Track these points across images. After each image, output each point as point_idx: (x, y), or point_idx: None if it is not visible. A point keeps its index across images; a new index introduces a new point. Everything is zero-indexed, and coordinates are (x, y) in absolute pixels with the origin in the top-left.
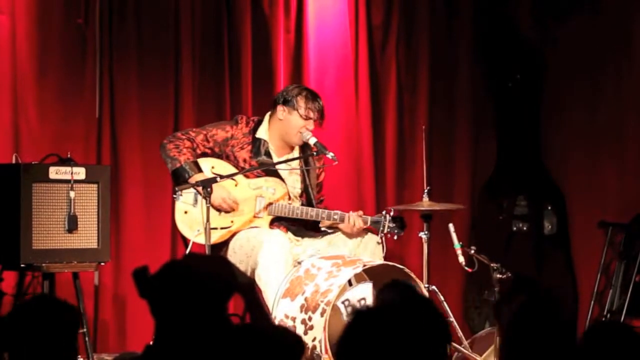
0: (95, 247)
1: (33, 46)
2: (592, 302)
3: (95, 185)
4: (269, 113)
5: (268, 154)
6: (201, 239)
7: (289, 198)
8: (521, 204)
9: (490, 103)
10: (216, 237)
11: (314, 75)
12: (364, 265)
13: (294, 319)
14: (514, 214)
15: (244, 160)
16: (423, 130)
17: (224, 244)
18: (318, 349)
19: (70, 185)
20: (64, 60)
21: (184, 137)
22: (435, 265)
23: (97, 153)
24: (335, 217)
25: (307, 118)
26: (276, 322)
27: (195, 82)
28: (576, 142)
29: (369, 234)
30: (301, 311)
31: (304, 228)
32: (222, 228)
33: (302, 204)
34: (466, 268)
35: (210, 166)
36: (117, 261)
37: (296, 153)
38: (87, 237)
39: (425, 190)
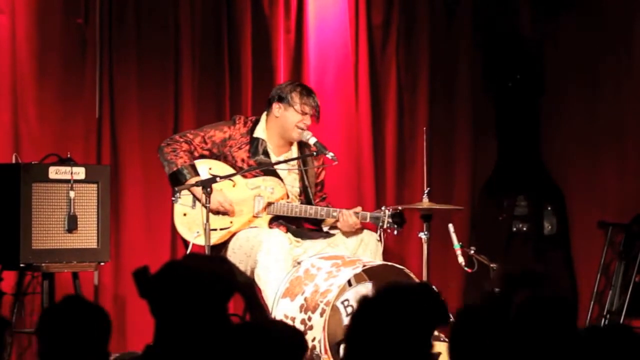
0: (95, 247)
1: (33, 46)
2: (592, 302)
3: (95, 185)
4: (265, 112)
5: (266, 153)
6: (201, 241)
7: (288, 197)
8: (521, 204)
9: (490, 103)
10: (216, 238)
11: (314, 75)
12: (364, 266)
13: (293, 319)
14: (514, 214)
15: (242, 160)
16: (424, 132)
17: (224, 244)
18: (318, 349)
19: (70, 185)
20: (63, 60)
21: (181, 139)
22: (435, 266)
23: (97, 153)
24: (335, 214)
25: (303, 113)
26: None
27: (195, 82)
28: (576, 142)
29: (369, 233)
30: (301, 311)
31: (304, 228)
32: (221, 229)
33: (302, 203)
34: (466, 268)
35: (207, 168)
36: (117, 261)
37: (295, 152)
38: (87, 237)
39: (425, 191)
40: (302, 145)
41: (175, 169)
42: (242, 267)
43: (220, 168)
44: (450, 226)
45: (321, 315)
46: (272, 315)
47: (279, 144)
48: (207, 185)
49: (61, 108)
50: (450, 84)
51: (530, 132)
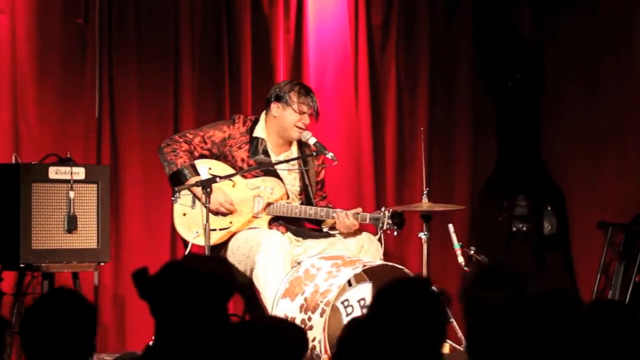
0: (95, 247)
1: (33, 46)
2: None
3: (95, 185)
4: (264, 111)
5: (266, 153)
6: (200, 241)
7: (288, 197)
8: (521, 204)
9: (490, 103)
10: (215, 238)
11: (313, 75)
12: (364, 266)
13: (293, 319)
14: (514, 214)
15: (242, 160)
16: (422, 132)
17: (224, 244)
18: (318, 349)
19: (69, 185)
20: (63, 60)
21: (181, 140)
22: (434, 266)
23: (97, 153)
24: (334, 215)
25: (301, 112)
26: None
27: (195, 82)
28: (576, 142)
29: (369, 238)
30: (301, 311)
31: (304, 228)
32: (221, 229)
33: (302, 203)
34: (466, 268)
35: (207, 167)
36: (117, 261)
37: (295, 151)
38: (87, 237)
39: (425, 191)
40: (302, 144)
41: (175, 169)
42: (241, 268)
43: (220, 168)
44: (450, 226)
45: (321, 315)
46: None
47: (278, 144)
48: (207, 185)
49: (61, 108)
50: (450, 84)
51: (530, 132)
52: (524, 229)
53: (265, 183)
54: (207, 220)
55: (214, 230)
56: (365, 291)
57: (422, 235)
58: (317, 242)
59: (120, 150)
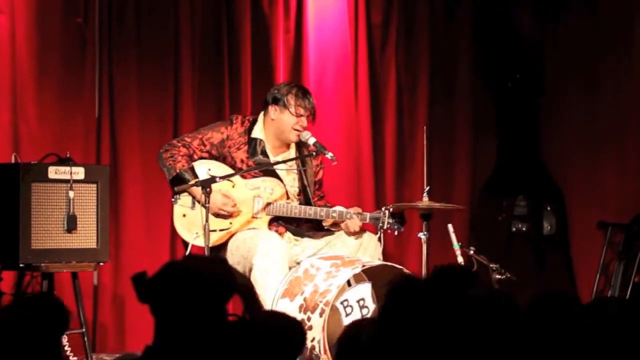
0: (95, 247)
1: (32, 46)
2: None
3: (95, 185)
4: (262, 112)
5: (264, 154)
6: (200, 242)
7: (287, 198)
8: (521, 204)
9: (490, 103)
10: (215, 238)
11: (313, 75)
12: (363, 266)
13: None
14: (514, 214)
15: (242, 161)
16: (424, 131)
17: (223, 245)
18: (317, 349)
19: (69, 185)
20: (63, 59)
21: (179, 144)
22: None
23: (97, 153)
24: (334, 214)
25: (298, 115)
26: None
27: (195, 82)
28: (576, 142)
29: (369, 236)
30: (300, 311)
31: (304, 228)
32: (220, 230)
33: (300, 203)
34: None
35: (206, 169)
36: (117, 261)
37: (293, 151)
38: (86, 237)
39: (425, 190)
40: (301, 145)
41: (174, 173)
42: (240, 269)
43: (220, 169)
44: (450, 226)
45: (320, 315)
46: None
47: (275, 145)
48: (206, 185)
49: (61, 108)
50: (450, 83)
51: (530, 132)
52: (524, 229)
53: (265, 183)
54: (207, 221)
55: (214, 231)
56: (364, 291)
57: (422, 235)
58: (314, 241)
59: (120, 150)
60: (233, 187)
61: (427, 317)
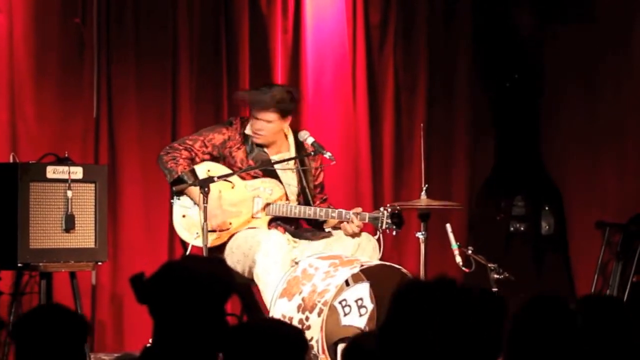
0: (93, 246)
1: (31, 46)
2: None
3: (93, 185)
4: None
5: (261, 147)
6: (200, 242)
7: (287, 198)
8: (519, 204)
9: (489, 103)
10: (214, 238)
11: (311, 75)
12: (361, 266)
13: (291, 319)
14: (512, 214)
15: (242, 161)
16: (421, 128)
17: (223, 245)
18: (315, 349)
19: (67, 185)
20: (61, 59)
21: (180, 147)
22: (432, 266)
23: (95, 152)
24: (334, 215)
25: (258, 119)
26: None
27: (193, 82)
28: (575, 142)
29: (367, 238)
30: (298, 311)
31: (303, 229)
32: (220, 230)
33: (299, 204)
34: (463, 268)
35: (206, 169)
36: (115, 261)
37: (292, 151)
38: (85, 236)
39: (424, 188)
40: (299, 145)
41: (176, 176)
42: (239, 267)
43: (219, 170)
44: (448, 226)
45: (319, 315)
46: (270, 315)
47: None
48: (204, 185)
49: (59, 108)
50: (449, 83)
51: (529, 132)
52: (522, 229)
53: (265, 184)
54: (205, 221)
55: (214, 231)
56: (362, 291)
57: (420, 235)
58: (313, 243)
59: (118, 150)
60: (232, 187)
61: (429, 320)
